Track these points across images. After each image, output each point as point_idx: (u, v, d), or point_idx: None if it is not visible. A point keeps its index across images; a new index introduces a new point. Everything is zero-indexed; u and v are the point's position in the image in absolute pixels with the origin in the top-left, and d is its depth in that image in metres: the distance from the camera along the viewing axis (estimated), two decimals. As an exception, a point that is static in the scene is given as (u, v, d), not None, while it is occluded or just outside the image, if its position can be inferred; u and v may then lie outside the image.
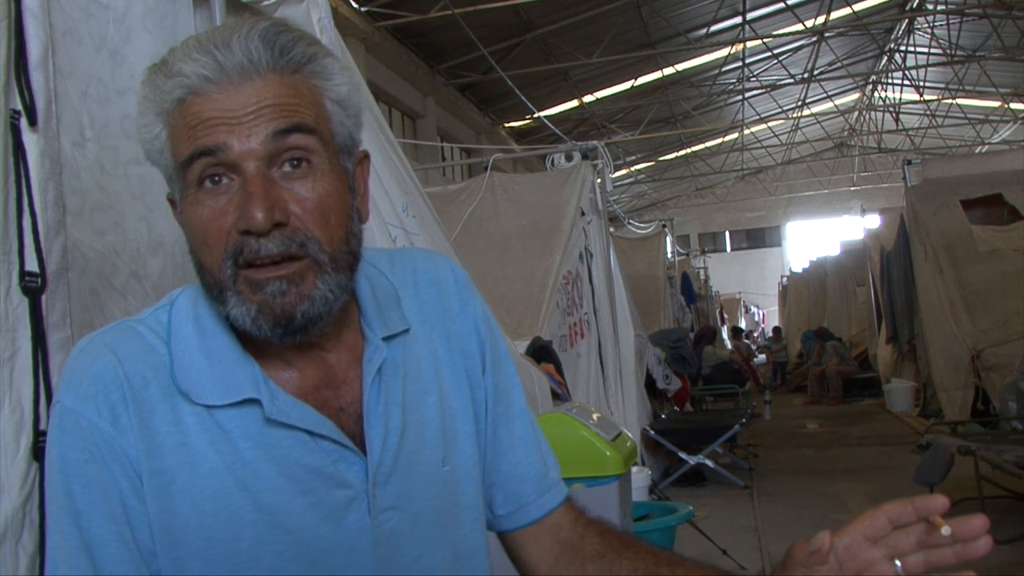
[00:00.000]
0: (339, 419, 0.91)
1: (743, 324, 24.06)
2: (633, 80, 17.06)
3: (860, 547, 0.80)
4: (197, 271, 0.88)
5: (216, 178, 0.84)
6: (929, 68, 18.05)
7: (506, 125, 17.66)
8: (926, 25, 16.78)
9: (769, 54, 17.43)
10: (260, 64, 0.84)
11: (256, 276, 0.84)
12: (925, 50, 17.52)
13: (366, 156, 0.96)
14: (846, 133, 24.71)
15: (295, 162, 0.85)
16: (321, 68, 0.88)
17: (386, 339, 0.96)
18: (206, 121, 0.83)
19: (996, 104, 19.74)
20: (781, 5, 14.58)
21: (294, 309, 0.85)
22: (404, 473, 0.93)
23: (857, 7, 15.38)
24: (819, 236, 28.09)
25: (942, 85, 19.84)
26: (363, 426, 0.92)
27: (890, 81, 20.32)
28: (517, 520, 1.05)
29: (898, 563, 0.79)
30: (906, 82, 19.54)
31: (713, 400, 11.15)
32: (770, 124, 22.28)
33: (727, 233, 32.22)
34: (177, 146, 0.85)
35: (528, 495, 1.05)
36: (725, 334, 19.47)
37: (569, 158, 6.40)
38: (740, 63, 17.50)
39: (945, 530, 0.76)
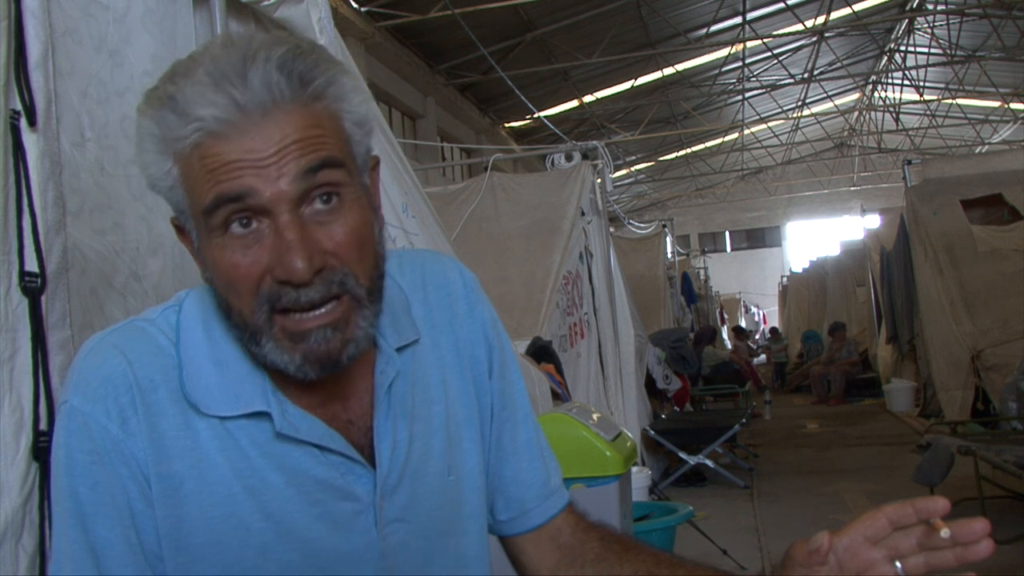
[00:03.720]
0: (348, 432, 0.90)
1: (743, 324, 24.03)
2: (633, 80, 17.06)
3: (860, 548, 0.80)
4: (222, 307, 0.85)
5: (244, 221, 0.80)
6: (929, 68, 18.06)
7: (506, 125, 17.66)
8: (926, 25, 16.78)
9: (769, 54, 17.43)
10: (281, 98, 0.79)
11: (297, 327, 0.81)
12: (925, 50, 17.52)
13: (377, 163, 0.93)
14: (846, 133, 24.71)
15: (325, 197, 0.81)
16: (340, 91, 0.83)
17: (398, 349, 0.95)
18: (228, 164, 0.78)
19: (996, 104, 19.74)
20: (781, 5, 14.58)
21: (340, 355, 0.83)
22: (410, 484, 0.93)
23: (857, 7, 15.38)
24: (819, 236, 28.08)
25: (942, 85, 19.85)
26: (371, 438, 0.91)
27: (890, 81, 20.32)
28: (519, 526, 1.05)
29: (898, 564, 0.79)
30: (906, 82, 19.55)
31: (713, 400, 11.15)
32: (770, 124, 22.28)
33: (727, 233, 32.22)
34: (195, 188, 0.81)
35: (530, 501, 1.05)
36: (725, 334, 19.47)
37: (569, 158, 6.40)
38: (740, 63, 17.51)
39: (944, 532, 0.76)
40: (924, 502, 0.78)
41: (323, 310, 0.81)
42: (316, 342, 0.82)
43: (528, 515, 1.05)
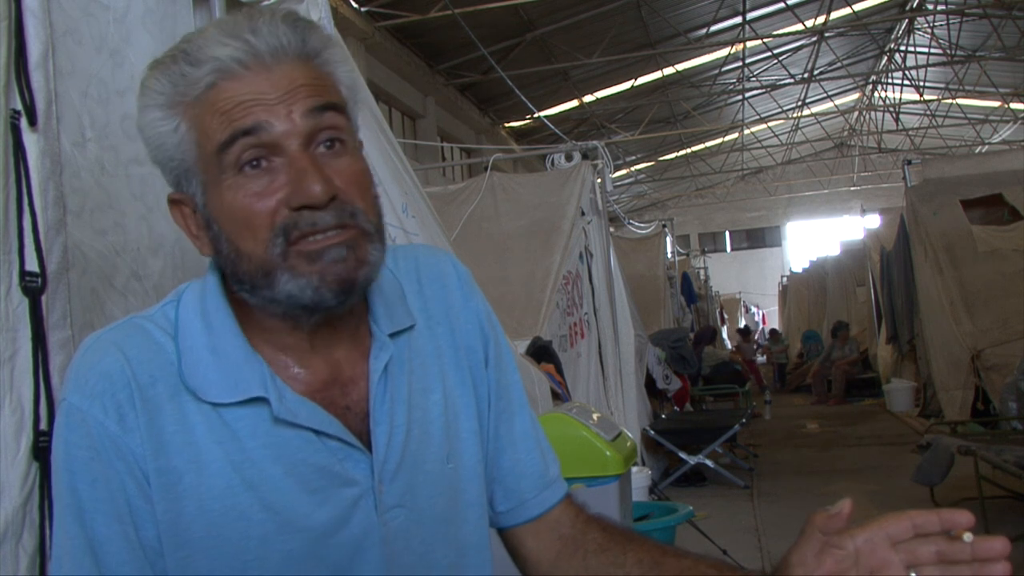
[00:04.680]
0: (345, 418, 0.91)
1: (743, 324, 24.02)
2: (633, 80, 17.06)
3: (880, 545, 0.80)
4: (229, 261, 0.88)
5: (255, 162, 0.84)
6: (929, 68, 18.05)
7: (506, 125, 17.66)
8: (926, 25, 16.78)
9: (769, 54, 17.43)
10: (289, 48, 0.85)
11: (313, 247, 0.84)
12: (925, 50, 17.52)
13: (360, 146, 0.98)
14: (846, 133, 24.71)
15: (329, 142, 0.86)
16: (332, 55, 0.90)
17: (392, 335, 0.96)
18: (242, 104, 0.83)
19: (996, 104, 19.74)
20: (781, 5, 14.58)
21: (356, 273, 0.86)
22: (409, 471, 0.93)
23: (857, 7, 15.38)
24: (819, 236, 28.07)
25: (942, 85, 19.85)
26: (369, 424, 0.92)
27: (890, 81, 20.32)
28: (517, 516, 1.05)
29: (913, 574, 0.79)
30: (906, 82, 19.54)
31: (713, 400, 11.15)
32: (770, 124, 22.28)
33: (727, 233, 32.21)
34: (207, 133, 0.85)
35: (528, 491, 1.05)
36: (725, 334, 19.44)
37: (569, 158, 6.39)
38: (740, 63, 17.50)
39: (967, 536, 0.77)
40: (950, 513, 0.79)
41: (336, 232, 0.85)
42: (332, 260, 0.85)
43: (526, 505, 1.05)
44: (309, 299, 0.85)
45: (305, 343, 0.91)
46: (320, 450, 0.89)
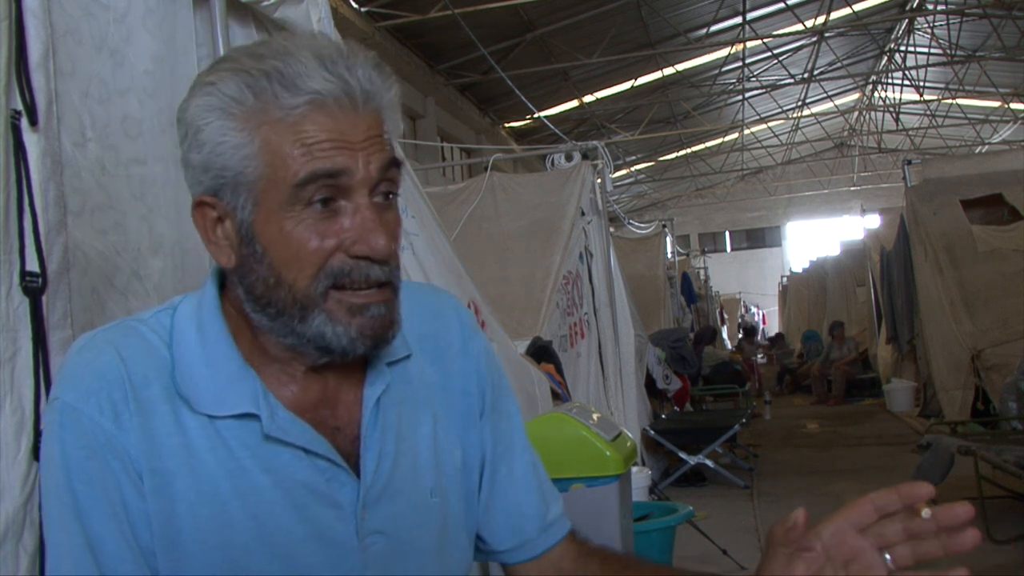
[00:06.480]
0: (335, 438, 0.92)
1: (741, 323, 24.00)
2: (633, 80, 17.05)
3: (847, 535, 0.80)
4: (263, 284, 0.86)
5: (326, 200, 0.84)
6: (929, 68, 18.05)
7: (506, 125, 17.65)
8: (926, 25, 16.78)
9: (769, 54, 17.43)
10: (374, 96, 0.86)
11: (357, 300, 0.86)
12: (925, 50, 17.52)
13: None
14: (846, 133, 24.70)
15: (387, 194, 0.88)
16: (395, 108, 0.90)
17: (388, 364, 0.97)
18: (324, 142, 0.83)
19: (996, 104, 19.74)
20: (781, 5, 14.58)
21: (387, 332, 0.89)
22: (393, 499, 0.93)
23: (857, 7, 15.38)
24: (819, 236, 28.07)
25: (942, 85, 19.84)
26: (358, 447, 0.92)
27: (890, 81, 20.31)
28: (519, 555, 1.07)
29: (888, 557, 0.79)
30: (906, 82, 19.54)
31: (713, 400, 11.15)
32: (770, 124, 22.27)
33: (727, 233, 32.21)
34: (283, 160, 0.83)
35: (529, 531, 1.06)
36: (725, 334, 19.42)
37: (569, 158, 6.39)
38: (740, 63, 17.50)
39: (926, 512, 0.76)
40: (908, 487, 0.78)
41: (378, 290, 0.87)
42: (372, 316, 0.87)
43: (527, 545, 1.06)
44: (339, 346, 0.87)
45: (299, 363, 0.91)
46: (308, 467, 0.89)
